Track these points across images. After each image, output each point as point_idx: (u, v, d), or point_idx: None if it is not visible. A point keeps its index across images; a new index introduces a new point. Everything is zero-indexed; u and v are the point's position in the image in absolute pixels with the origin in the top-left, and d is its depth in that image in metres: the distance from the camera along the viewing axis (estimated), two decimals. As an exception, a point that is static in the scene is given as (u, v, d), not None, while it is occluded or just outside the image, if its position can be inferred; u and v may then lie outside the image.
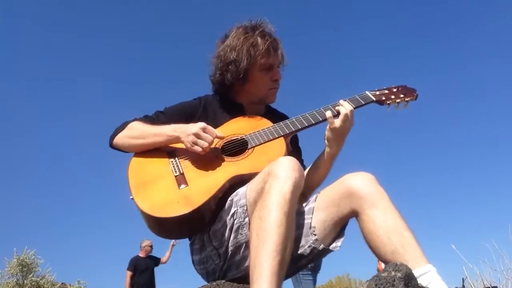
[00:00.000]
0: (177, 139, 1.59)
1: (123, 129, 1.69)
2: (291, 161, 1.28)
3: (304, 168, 1.75)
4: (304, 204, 1.55)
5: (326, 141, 1.62)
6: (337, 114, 1.58)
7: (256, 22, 1.76)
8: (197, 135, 1.53)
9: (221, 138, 1.59)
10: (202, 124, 1.56)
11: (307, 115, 1.66)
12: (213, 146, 1.58)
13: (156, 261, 7.82)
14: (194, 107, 1.76)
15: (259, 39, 1.70)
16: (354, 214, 1.42)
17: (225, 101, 1.80)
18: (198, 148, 1.53)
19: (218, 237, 1.46)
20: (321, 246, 1.45)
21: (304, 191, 1.66)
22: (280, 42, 1.77)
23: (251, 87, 1.76)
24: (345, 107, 1.57)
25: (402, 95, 1.70)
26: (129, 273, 7.36)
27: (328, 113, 1.57)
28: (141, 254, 7.65)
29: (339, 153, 1.63)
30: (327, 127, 1.59)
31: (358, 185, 1.41)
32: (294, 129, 1.63)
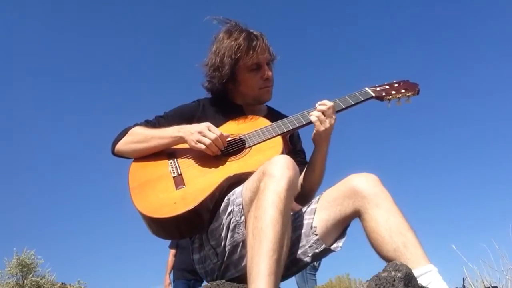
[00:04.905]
0: (181, 139, 1.60)
1: (124, 135, 1.69)
2: (286, 159, 1.28)
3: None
4: (306, 205, 1.55)
5: (314, 142, 1.64)
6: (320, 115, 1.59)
7: (237, 24, 1.75)
8: (201, 133, 1.54)
9: (225, 137, 1.59)
10: (207, 123, 1.58)
11: (305, 112, 1.66)
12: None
13: None
14: (193, 109, 1.78)
15: (239, 41, 1.69)
16: (357, 214, 1.42)
17: (224, 103, 1.81)
18: (201, 146, 1.54)
19: (215, 236, 1.46)
20: (323, 246, 1.45)
21: (305, 193, 1.68)
22: (265, 38, 1.75)
23: (243, 89, 1.77)
24: (320, 110, 1.59)
25: (403, 90, 1.70)
26: (172, 252, 6.25)
27: (313, 118, 1.59)
28: None
29: (328, 148, 1.64)
30: (314, 130, 1.60)
31: (362, 185, 1.41)
32: (291, 127, 1.63)
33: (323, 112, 1.59)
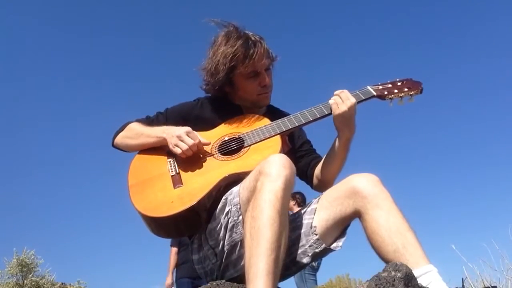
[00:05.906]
0: (164, 140, 1.62)
1: (122, 129, 1.76)
2: (282, 158, 1.28)
3: (319, 159, 1.78)
4: (306, 205, 1.56)
5: (336, 128, 1.64)
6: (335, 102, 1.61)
7: (236, 28, 1.71)
8: (179, 138, 1.56)
9: (206, 144, 1.61)
10: (187, 128, 1.60)
11: (306, 112, 1.66)
12: (206, 149, 1.60)
13: None
14: (192, 108, 1.79)
15: (236, 49, 1.65)
16: (357, 214, 1.42)
17: (223, 102, 1.81)
18: (178, 150, 1.56)
19: (214, 236, 1.46)
20: (322, 246, 1.45)
21: (325, 180, 1.70)
22: (264, 43, 1.71)
23: (241, 94, 1.77)
24: (336, 94, 1.62)
25: (406, 89, 1.68)
26: (174, 249, 5.97)
27: (331, 101, 1.62)
28: None
29: (353, 136, 1.64)
30: (332, 115, 1.61)
31: (362, 185, 1.41)
32: (290, 127, 1.62)
33: (339, 96, 1.61)
